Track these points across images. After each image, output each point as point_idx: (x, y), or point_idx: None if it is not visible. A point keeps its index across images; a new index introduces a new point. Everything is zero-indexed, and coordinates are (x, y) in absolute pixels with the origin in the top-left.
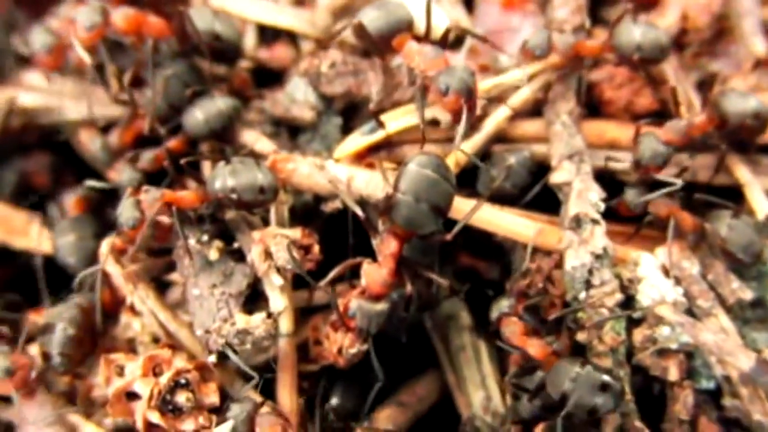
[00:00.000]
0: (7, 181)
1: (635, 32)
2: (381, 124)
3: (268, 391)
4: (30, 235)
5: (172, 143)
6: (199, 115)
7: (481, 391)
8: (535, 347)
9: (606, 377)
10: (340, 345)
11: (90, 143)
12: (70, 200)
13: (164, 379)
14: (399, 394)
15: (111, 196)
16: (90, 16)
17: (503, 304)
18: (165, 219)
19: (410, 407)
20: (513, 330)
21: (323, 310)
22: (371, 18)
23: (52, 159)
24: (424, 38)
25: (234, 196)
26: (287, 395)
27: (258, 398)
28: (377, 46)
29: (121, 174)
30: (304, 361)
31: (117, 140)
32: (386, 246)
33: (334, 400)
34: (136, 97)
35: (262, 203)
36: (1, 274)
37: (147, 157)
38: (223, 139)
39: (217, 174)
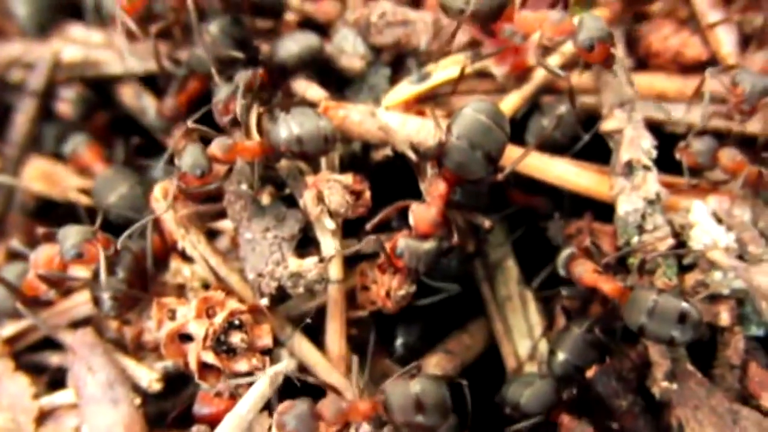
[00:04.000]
0: (50, 135)
1: None
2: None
3: (317, 338)
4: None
5: (262, 71)
6: (293, 47)
7: (527, 341)
8: (607, 283)
9: (685, 305)
10: (388, 287)
11: (135, 101)
12: (85, 149)
13: (219, 319)
14: (447, 342)
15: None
16: None
17: (566, 252)
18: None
19: (457, 355)
20: (584, 269)
21: (370, 258)
22: None
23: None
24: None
25: (299, 146)
26: (336, 341)
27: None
28: (484, 23)
29: (218, 90)
30: (351, 307)
31: (172, 103)
32: (435, 188)
33: (400, 340)
34: (180, 56)
35: (324, 152)
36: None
37: (244, 76)
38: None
39: (280, 124)
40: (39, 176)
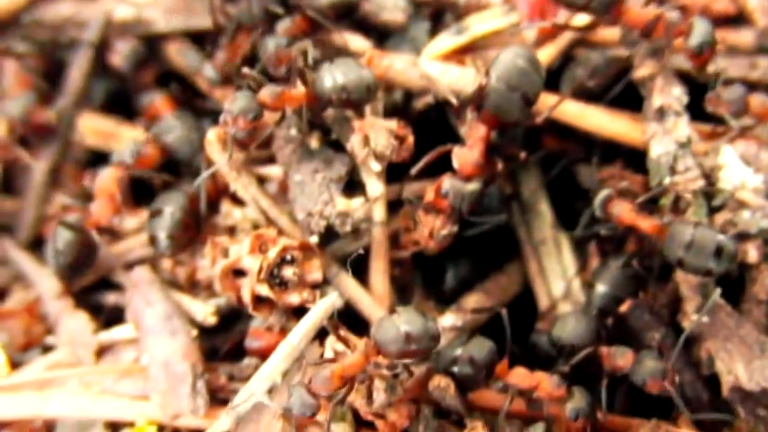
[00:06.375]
0: (98, 91)
1: None
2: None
3: (362, 278)
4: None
5: (299, 19)
6: None
7: (561, 281)
8: (646, 220)
9: (721, 237)
10: (431, 227)
11: (182, 57)
12: (159, 100)
13: (272, 254)
14: (485, 283)
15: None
16: None
17: (603, 193)
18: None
19: (495, 295)
20: (622, 208)
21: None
22: None
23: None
24: None
25: (344, 95)
26: (380, 280)
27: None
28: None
29: (265, 44)
30: (395, 248)
31: (223, 56)
32: (475, 131)
33: (451, 272)
34: (229, 10)
35: (366, 101)
36: None
37: (284, 24)
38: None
39: (324, 73)
40: (90, 130)
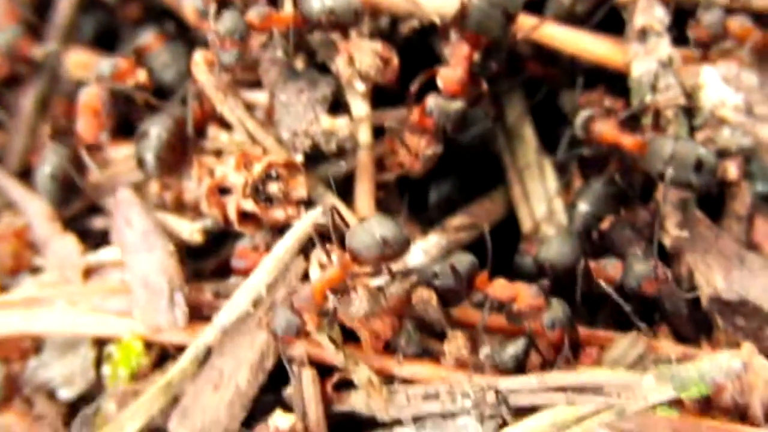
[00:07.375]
0: (88, 27)
1: None
2: None
3: (347, 199)
4: None
5: None
6: None
7: (544, 204)
8: (628, 137)
9: (702, 150)
10: (416, 147)
11: None
12: (150, 37)
13: (258, 169)
14: (469, 207)
15: None
16: None
17: (585, 113)
18: None
19: (479, 218)
20: (605, 126)
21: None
22: None
23: None
24: None
25: (332, 17)
26: (366, 201)
27: (341, 206)
28: None
29: None
30: (380, 172)
31: None
32: (459, 50)
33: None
34: None
35: (353, 24)
36: None
37: None
38: None
39: None
40: (78, 65)
